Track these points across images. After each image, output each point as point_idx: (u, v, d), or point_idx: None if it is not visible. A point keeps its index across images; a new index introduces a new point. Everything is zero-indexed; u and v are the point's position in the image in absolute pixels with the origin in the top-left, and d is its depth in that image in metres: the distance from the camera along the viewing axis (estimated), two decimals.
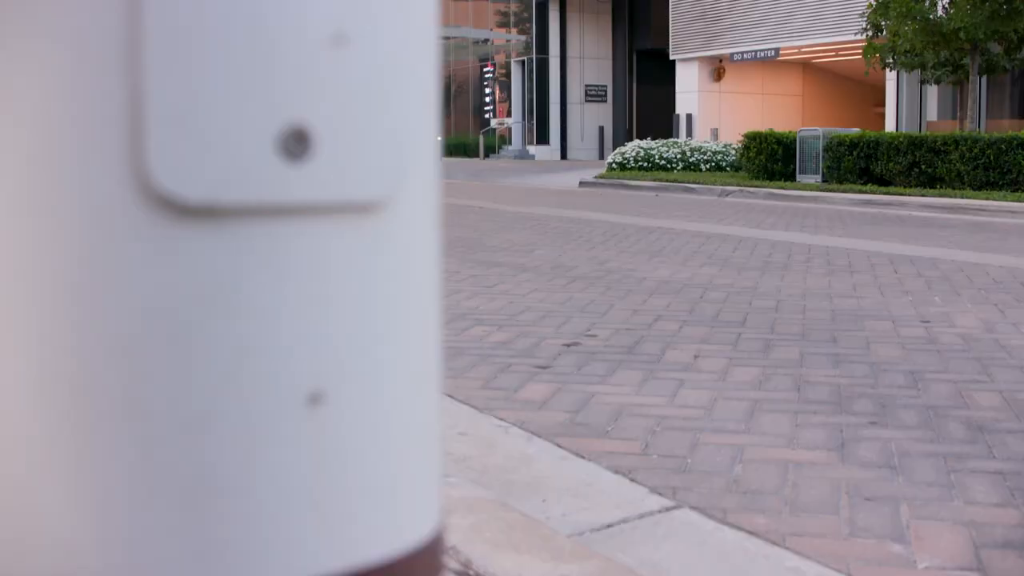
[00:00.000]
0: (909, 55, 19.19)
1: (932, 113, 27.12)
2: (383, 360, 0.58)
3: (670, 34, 35.80)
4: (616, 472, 3.15)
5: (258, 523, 0.54)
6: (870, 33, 19.24)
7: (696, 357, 4.72)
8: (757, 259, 8.30)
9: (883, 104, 28.29)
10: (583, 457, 3.29)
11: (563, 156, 43.83)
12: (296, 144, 0.53)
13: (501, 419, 3.74)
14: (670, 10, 35.71)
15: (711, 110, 35.43)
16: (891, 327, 5.40)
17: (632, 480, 3.08)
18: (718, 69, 35.62)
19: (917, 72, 21.01)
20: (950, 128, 20.39)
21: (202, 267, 0.52)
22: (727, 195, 17.67)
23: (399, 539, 0.60)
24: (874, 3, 18.71)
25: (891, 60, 19.80)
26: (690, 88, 35.46)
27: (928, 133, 17.56)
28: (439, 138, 0.64)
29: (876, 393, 4.06)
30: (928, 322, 5.52)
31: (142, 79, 0.50)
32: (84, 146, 0.51)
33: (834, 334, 5.21)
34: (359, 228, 0.56)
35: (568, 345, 4.99)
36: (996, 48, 19.71)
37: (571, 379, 4.34)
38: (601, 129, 44.08)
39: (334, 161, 0.54)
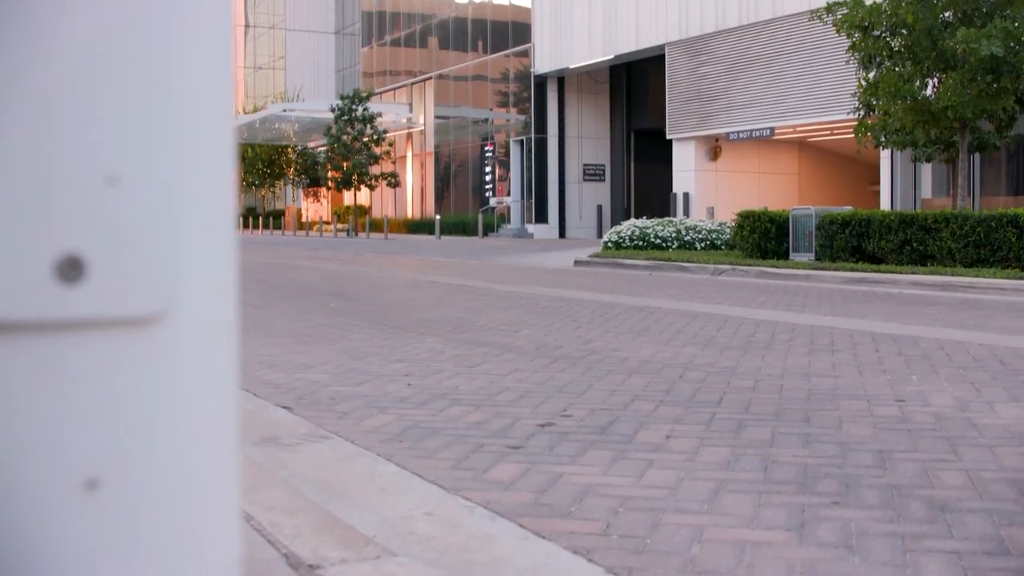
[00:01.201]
0: (900, 134, 19.35)
1: (927, 190, 27.28)
2: (162, 451, 0.64)
3: (667, 114, 36.11)
4: (575, 552, 3.18)
5: None
6: (862, 112, 19.42)
7: (668, 437, 4.75)
8: (740, 338, 8.35)
9: (879, 182, 28.48)
10: (544, 537, 3.32)
11: (562, 235, 44.03)
12: (71, 270, 0.59)
13: (468, 499, 3.77)
14: (666, 90, 36.05)
15: (708, 189, 35.65)
16: (865, 406, 5.44)
17: (590, 560, 3.11)
18: (714, 148, 35.89)
19: (910, 150, 21.16)
20: (945, 205, 20.51)
21: None
22: (720, 274, 17.76)
23: None
24: (864, 83, 18.90)
25: (883, 139, 19.96)
26: (687, 167, 35.71)
27: (919, 211, 17.70)
28: (233, 255, 0.69)
29: (842, 473, 4.10)
30: (903, 401, 5.56)
31: None
32: None
33: (808, 414, 5.24)
34: (134, 338, 0.62)
35: (543, 425, 5.03)
36: (987, 126, 19.88)
37: (541, 459, 4.38)
38: (599, 208, 44.33)
39: (107, 283, 0.60)
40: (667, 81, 35.94)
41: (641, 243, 23.87)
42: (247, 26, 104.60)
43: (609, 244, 24.46)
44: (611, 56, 39.11)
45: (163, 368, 0.64)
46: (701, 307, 11.39)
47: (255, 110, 72.79)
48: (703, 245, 23.88)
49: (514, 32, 45.60)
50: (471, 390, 6.04)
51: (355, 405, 5.64)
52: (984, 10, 17.41)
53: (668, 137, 36.10)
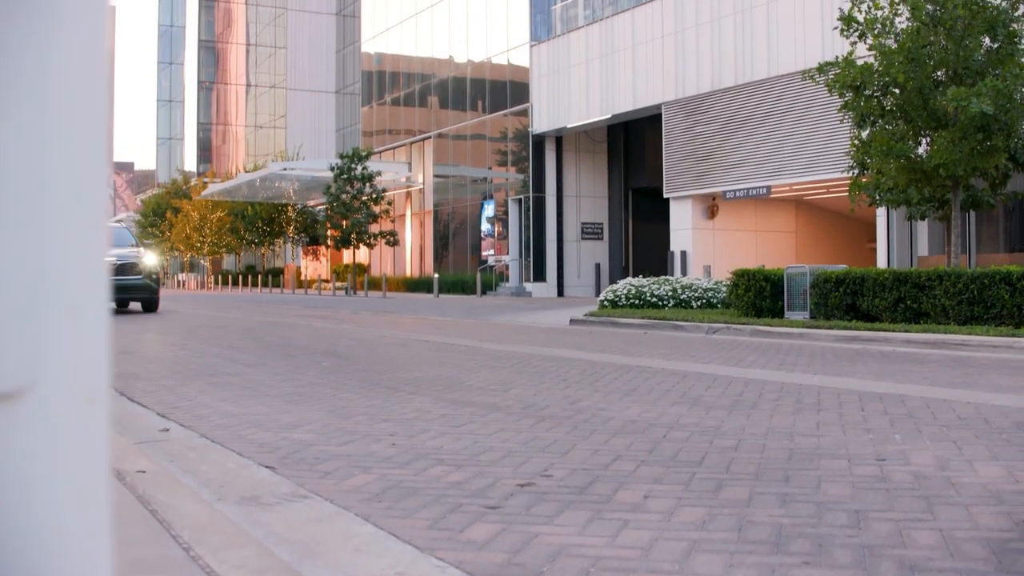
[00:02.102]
0: (893, 192, 19.46)
1: (923, 248, 27.36)
2: (25, 517, 0.67)
3: (663, 173, 36.29)
4: None
5: None
6: (856, 171, 19.52)
7: (646, 497, 4.76)
8: (728, 398, 8.37)
9: (875, 239, 28.58)
10: None
11: (560, 293, 44.11)
12: None
13: (441, 559, 3.78)
14: (663, 149, 36.26)
15: (705, 247, 35.76)
16: (846, 465, 5.45)
17: None
18: (711, 207, 36.04)
19: (904, 208, 21.25)
20: (941, 263, 20.58)
21: None
22: (714, 332, 17.79)
23: None
24: (858, 142, 19.03)
25: (877, 197, 20.06)
26: (684, 225, 35.85)
27: (912, 269, 17.73)
28: (104, 334, 0.73)
29: (816, 533, 4.11)
30: (883, 460, 5.57)
31: None
32: None
33: (788, 473, 5.25)
34: None
35: (522, 485, 5.04)
36: (981, 184, 19.98)
37: (518, 519, 4.39)
38: (598, 266, 44.44)
39: None
40: (664, 140, 36.17)
41: (637, 302, 23.91)
42: (248, 85, 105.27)
43: (605, 303, 24.51)
44: (608, 115, 39.39)
45: (25, 440, 0.67)
46: (692, 366, 11.41)
47: (255, 168, 73.16)
48: (699, 304, 23.93)
49: (512, 92, 45.92)
50: (455, 450, 6.05)
51: (338, 465, 5.65)
52: (974, 69, 17.55)
53: (665, 195, 36.28)
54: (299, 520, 4.48)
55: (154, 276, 26.56)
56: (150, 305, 26.61)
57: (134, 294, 25.65)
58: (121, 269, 24.70)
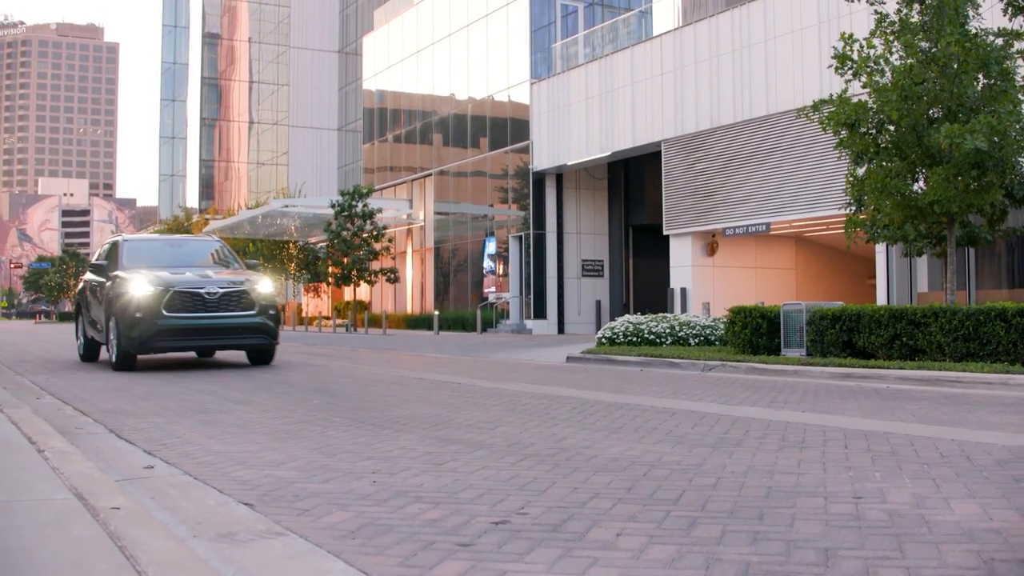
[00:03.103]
0: (890, 229, 19.49)
1: (923, 284, 27.39)
2: None
3: (663, 210, 36.37)
4: None
5: None
6: (853, 208, 19.55)
7: (618, 535, 4.78)
8: (713, 436, 8.37)
9: (876, 276, 28.61)
10: None
11: (560, 330, 44.13)
12: None
13: None
14: (663, 186, 36.35)
15: (705, 284, 35.80)
16: (822, 503, 5.46)
17: None
18: (711, 244, 36.11)
19: (901, 245, 21.27)
20: (940, 299, 20.57)
21: None
22: (710, 370, 17.79)
23: None
24: (853, 179, 19.06)
25: (873, 234, 20.09)
26: (684, 262, 35.89)
27: (908, 306, 17.73)
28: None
29: (783, 571, 4.12)
30: (860, 498, 5.58)
31: None
32: None
33: (763, 511, 5.26)
34: None
35: (497, 523, 5.05)
36: (979, 220, 20.00)
37: (488, 557, 4.40)
38: (598, 303, 44.47)
39: None
40: (663, 177, 36.27)
41: (635, 339, 23.91)
42: (251, 122, 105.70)
43: (603, 340, 24.51)
44: (608, 153, 39.51)
45: None
46: (682, 404, 11.41)
47: (257, 205, 73.34)
48: (697, 341, 23.92)
49: (513, 129, 46.10)
50: (434, 487, 6.06)
51: (317, 502, 5.67)
52: (969, 106, 17.60)
53: (665, 232, 36.35)
54: (271, 557, 4.50)
55: (272, 311, 18.90)
56: (265, 355, 19.58)
57: (245, 337, 18.70)
58: (225, 301, 18.21)
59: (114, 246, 20.57)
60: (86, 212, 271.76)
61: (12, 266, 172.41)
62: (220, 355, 22.52)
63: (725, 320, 21.75)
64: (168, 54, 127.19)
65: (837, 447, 7.62)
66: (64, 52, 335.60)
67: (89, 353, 21.15)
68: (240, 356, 21.66)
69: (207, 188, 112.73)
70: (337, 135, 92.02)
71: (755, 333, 19.87)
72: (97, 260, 20.95)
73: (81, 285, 21.87)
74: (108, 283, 18.86)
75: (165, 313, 17.55)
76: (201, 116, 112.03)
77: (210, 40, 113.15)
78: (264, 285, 18.87)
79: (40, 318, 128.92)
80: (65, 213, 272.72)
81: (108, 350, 18.63)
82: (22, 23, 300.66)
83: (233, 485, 6.25)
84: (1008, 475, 6.32)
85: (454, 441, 8.17)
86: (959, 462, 6.84)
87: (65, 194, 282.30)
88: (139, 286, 17.71)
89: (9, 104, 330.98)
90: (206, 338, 18.37)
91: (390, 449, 7.75)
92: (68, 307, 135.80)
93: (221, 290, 18.12)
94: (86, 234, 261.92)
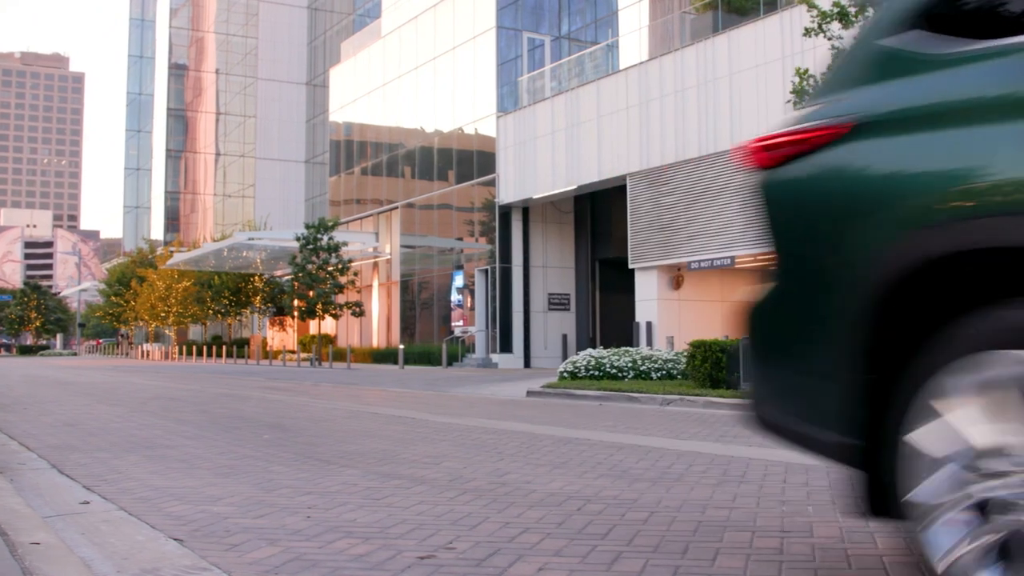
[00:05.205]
0: None
1: None
2: None
3: (629, 243, 36.49)
4: None
5: None
6: None
7: (540, 570, 4.78)
8: (656, 471, 8.39)
9: None
10: None
11: (527, 364, 44.15)
12: None
13: None
14: (628, 220, 36.48)
15: (671, 317, 35.92)
16: (748, 538, 5.48)
17: None
18: (677, 277, 36.23)
19: None
20: None
21: None
22: (668, 404, 17.82)
23: None
24: None
25: None
26: (649, 296, 36.00)
27: None
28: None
29: None
30: (788, 533, 5.60)
31: None
32: None
33: (688, 545, 5.27)
34: None
35: (422, 558, 5.05)
36: None
37: None
38: (565, 337, 44.56)
39: None
40: (629, 211, 36.42)
41: (597, 373, 23.97)
42: (217, 154, 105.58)
43: (565, 374, 24.55)
44: (574, 186, 39.66)
45: None
46: (632, 439, 11.43)
47: (223, 238, 73.19)
48: (659, 375, 23.99)
49: (480, 162, 46.24)
50: (367, 522, 6.05)
51: (247, 537, 5.64)
52: None
53: (631, 266, 36.45)
54: None
55: None
56: None
57: None
58: None
59: None
60: (49, 244, 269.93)
61: None
62: (184, 388, 22.43)
63: (687, 354, 21.82)
64: (134, 85, 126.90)
65: (776, 481, 7.64)
66: (28, 81, 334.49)
67: None
68: (201, 393, 21.57)
69: (172, 220, 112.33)
70: (304, 167, 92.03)
71: (715, 367, 19.94)
72: None
73: None
74: None
75: None
76: (167, 147, 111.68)
77: (177, 71, 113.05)
78: None
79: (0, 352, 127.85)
80: (28, 245, 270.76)
81: None
82: None
83: (167, 521, 6.21)
84: None
85: (397, 476, 8.16)
86: None
87: (28, 225, 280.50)
88: None
89: None
90: None
91: (331, 484, 7.73)
92: (31, 340, 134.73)
93: None
94: (49, 266, 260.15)
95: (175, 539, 5.63)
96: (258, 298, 70.14)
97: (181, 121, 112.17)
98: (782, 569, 4.75)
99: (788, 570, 4.73)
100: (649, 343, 34.84)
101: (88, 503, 6.99)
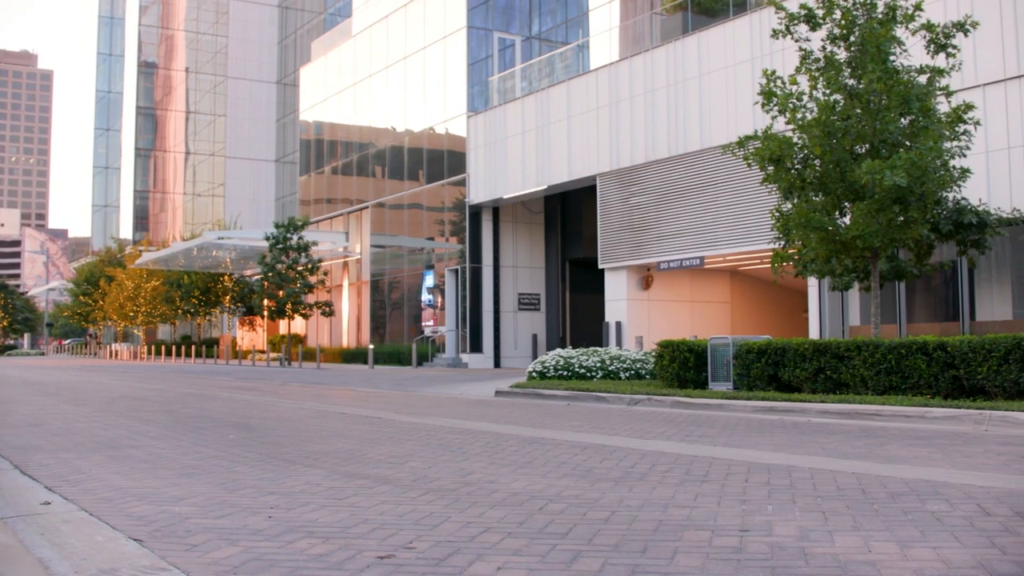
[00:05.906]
0: (816, 263, 19.64)
1: (855, 318, 27.60)
2: None
3: (598, 244, 36.50)
4: None
5: None
6: (783, 242, 19.67)
7: (499, 569, 4.79)
8: (619, 470, 8.40)
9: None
10: None
11: (497, 364, 44.12)
12: None
13: None
14: (598, 220, 36.49)
15: (640, 318, 35.95)
16: (707, 537, 5.50)
17: None
18: (646, 277, 36.27)
19: (828, 279, 21.44)
20: (871, 333, 20.74)
21: None
22: (636, 404, 17.85)
23: None
24: (778, 214, 19.21)
25: (801, 268, 20.22)
26: (619, 296, 36.02)
27: (832, 340, 17.88)
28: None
29: None
30: (746, 531, 5.63)
31: None
32: None
33: (647, 545, 5.29)
34: None
35: (382, 557, 5.05)
36: (908, 254, 20.21)
37: None
38: (535, 337, 44.52)
39: None
40: (599, 211, 36.42)
41: (566, 373, 23.97)
42: (187, 153, 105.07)
43: (533, 374, 24.54)
44: (544, 186, 39.62)
45: None
46: (597, 439, 11.44)
47: (192, 237, 72.85)
48: (628, 375, 24.01)
49: (450, 162, 46.17)
50: (329, 523, 6.05)
51: (208, 537, 5.63)
52: (891, 142, 17.82)
53: (600, 267, 36.46)
54: None
55: None
56: None
57: None
58: None
59: None
60: (17, 243, 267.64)
61: None
62: (151, 388, 22.32)
63: (655, 354, 21.84)
64: (103, 83, 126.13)
65: (738, 480, 7.67)
66: None
67: None
68: (168, 392, 21.47)
69: (141, 219, 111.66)
70: (275, 167, 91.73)
71: (683, 367, 19.97)
72: None
73: None
74: None
75: None
76: (136, 146, 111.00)
77: (146, 69, 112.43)
78: None
79: None
80: None
81: None
82: None
83: (128, 521, 6.19)
84: (897, 508, 6.40)
85: (361, 476, 8.15)
86: (853, 495, 6.91)
87: None
88: None
89: None
90: None
91: (295, 484, 7.71)
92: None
93: None
94: (16, 265, 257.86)
95: (135, 539, 5.61)
96: (228, 298, 69.81)
97: (150, 119, 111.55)
98: (740, 567, 4.78)
99: (745, 568, 4.75)
100: (618, 343, 34.86)
101: (49, 504, 6.96)
